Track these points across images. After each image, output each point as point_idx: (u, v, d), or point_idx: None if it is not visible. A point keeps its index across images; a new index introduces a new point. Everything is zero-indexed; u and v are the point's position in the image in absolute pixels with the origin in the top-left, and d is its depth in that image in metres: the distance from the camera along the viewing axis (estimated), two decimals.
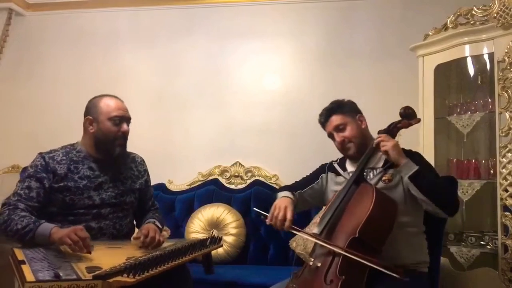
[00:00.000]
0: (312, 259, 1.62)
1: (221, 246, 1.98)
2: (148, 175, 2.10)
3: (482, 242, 2.38)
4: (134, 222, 2.05)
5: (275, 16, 3.34)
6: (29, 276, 1.29)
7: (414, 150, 1.92)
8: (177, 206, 3.12)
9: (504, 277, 2.13)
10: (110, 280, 1.29)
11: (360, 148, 1.85)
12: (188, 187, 3.23)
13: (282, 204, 1.77)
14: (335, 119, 1.88)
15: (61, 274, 1.30)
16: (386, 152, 1.74)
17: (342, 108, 1.90)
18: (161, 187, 3.20)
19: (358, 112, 1.93)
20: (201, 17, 3.43)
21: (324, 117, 1.92)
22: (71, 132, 3.32)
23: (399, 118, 1.86)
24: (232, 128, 3.31)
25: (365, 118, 1.93)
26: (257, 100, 3.30)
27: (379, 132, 1.87)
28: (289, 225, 1.69)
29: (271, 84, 3.32)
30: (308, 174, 2.06)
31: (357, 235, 1.53)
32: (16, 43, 3.63)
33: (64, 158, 1.88)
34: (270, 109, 3.27)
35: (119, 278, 1.32)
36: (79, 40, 3.57)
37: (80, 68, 3.54)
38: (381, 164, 1.84)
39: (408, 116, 1.84)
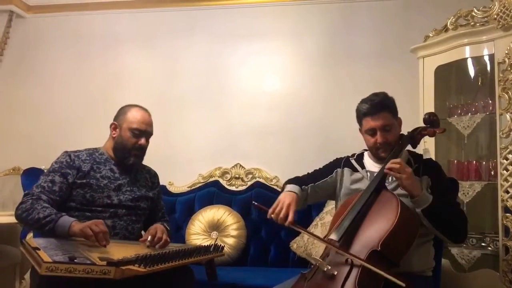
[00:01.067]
0: (329, 267, 1.50)
1: (223, 255, 2.03)
2: (160, 187, 2.23)
3: (483, 244, 2.38)
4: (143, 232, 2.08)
5: (275, 17, 3.34)
6: (46, 258, 1.33)
7: (415, 152, 1.89)
8: (178, 208, 3.12)
9: (505, 278, 2.13)
10: (123, 268, 1.32)
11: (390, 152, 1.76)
12: (189, 189, 3.22)
13: (286, 200, 1.67)
14: (387, 118, 1.73)
15: (76, 259, 1.34)
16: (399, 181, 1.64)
17: (392, 107, 1.78)
18: (162, 189, 3.16)
19: (398, 113, 1.82)
20: (201, 19, 3.44)
21: (374, 109, 1.73)
22: (71, 134, 3.38)
23: (404, 121, 1.82)
24: (232, 129, 3.31)
25: None
26: (258, 102, 3.30)
27: (401, 137, 1.81)
28: (289, 224, 1.62)
29: (271, 85, 3.32)
30: (320, 167, 1.99)
31: (379, 248, 1.47)
32: (16, 45, 3.64)
33: (88, 158, 1.98)
34: (271, 110, 3.27)
35: (131, 266, 1.35)
36: (79, 42, 3.58)
37: (80, 70, 3.55)
38: None
39: (434, 124, 1.79)
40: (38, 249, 1.44)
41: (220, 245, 1.91)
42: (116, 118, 2.04)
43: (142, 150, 2.02)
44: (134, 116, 1.99)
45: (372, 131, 1.76)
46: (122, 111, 2.04)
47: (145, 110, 2.06)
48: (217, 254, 1.88)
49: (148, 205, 2.08)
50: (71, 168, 1.90)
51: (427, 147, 1.80)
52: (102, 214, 1.88)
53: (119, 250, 1.58)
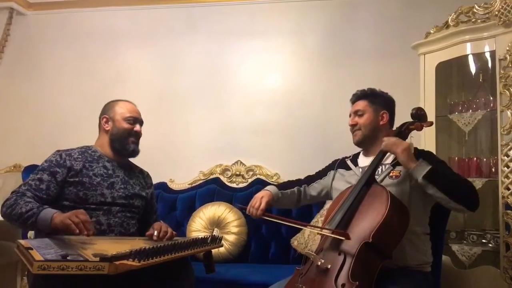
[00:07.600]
0: (322, 260, 1.56)
1: (221, 246, 2.01)
2: (153, 189, 2.21)
3: (483, 240, 2.38)
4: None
5: (275, 14, 3.33)
6: (38, 257, 1.32)
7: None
8: (179, 205, 3.12)
9: (506, 275, 2.13)
10: (117, 263, 1.31)
11: (364, 140, 1.89)
12: (190, 186, 3.23)
13: (260, 195, 1.90)
14: (359, 104, 1.93)
15: (68, 257, 1.33)
16: (395, 155, 1.74)
17: (372, 98, 1.93)
18: (163, 186, 3.20)
19: (386, 109, 1.92)
20: (201, 16, 3.43)
21: (354, 98, 1.98)
22: (72, 131, 3.38)
23: (405, 118, 1.84)
24: (233, 127, 3.31)
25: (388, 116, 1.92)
26: (258, 99, 3.30)
27: (389, 133, 1.85)
28: (260, 213, 1.83)
29: (272, 83, 3.32)
30: (321, 169, 2.10)
31: (370, 240, 1.50)
32: (17, 42, 3.64)
33: (80, 156, 1.97)
34: (271, 108, 3.27)
35: (125, 261, 1.34)
36: (80, 39, 3.58)
37: (80, 67, 3.55)
38: (390, 160, 1.82)
39: (421, 118, 1.83)
40: (31, 248, 1.42)
41: (218, 236, 1.89)
42: (105, 112, 2.06)
43: (138, 137, 2.06)
44: (124, 107, 2.05)
45: (350, 116, 1.97)
46: (109, 105, 2.08)
47: (130, 101, 2.12)
48: (214, 245, 1.85)
49: (142, 205, 2.07)
50: (60, 167, 1.89)
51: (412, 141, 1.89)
52: (96, 212, 1.87)
53: (115, 246, 1.56)
